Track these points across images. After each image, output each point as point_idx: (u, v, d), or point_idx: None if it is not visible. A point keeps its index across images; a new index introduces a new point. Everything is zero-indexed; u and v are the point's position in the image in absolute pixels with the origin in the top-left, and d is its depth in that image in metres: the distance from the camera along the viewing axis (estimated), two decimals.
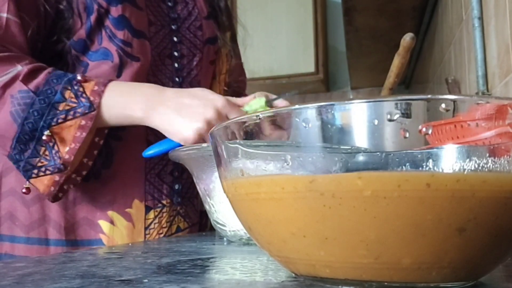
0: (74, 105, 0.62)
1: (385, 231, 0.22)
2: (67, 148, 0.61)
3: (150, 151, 0.65)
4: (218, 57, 0.84)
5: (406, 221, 0.22)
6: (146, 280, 0.28)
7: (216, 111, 0.62)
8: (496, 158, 0.24)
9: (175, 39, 0.77)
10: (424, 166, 0.24)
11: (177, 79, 0.76)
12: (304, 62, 2.59)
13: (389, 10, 1.65)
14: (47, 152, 0.62)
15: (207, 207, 0.58)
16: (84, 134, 0.61)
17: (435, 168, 0.24)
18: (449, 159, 0.24)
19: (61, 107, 0.62)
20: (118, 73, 0.70)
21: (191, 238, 0.62)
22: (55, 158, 0.61)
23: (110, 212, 0.69)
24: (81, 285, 0.27)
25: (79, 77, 0.63)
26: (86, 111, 0.61)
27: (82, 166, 0.65)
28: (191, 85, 0.77)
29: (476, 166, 0.23)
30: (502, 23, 0.83)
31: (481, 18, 0.96)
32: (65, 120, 0.61)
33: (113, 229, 0.69)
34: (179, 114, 0.62)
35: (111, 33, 0.69)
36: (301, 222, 0.24)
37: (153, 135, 0.70)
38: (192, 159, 0.56)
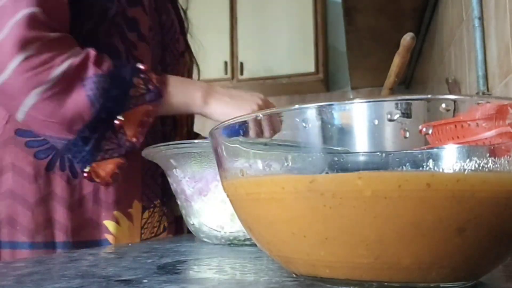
0: (144, 91, 0.64)
1: (385, 231, 0.22)
2: (134, 132, 0.64)
3: None
4: (184, 71, 0.88)
5: (406, 221, 0.22)
6: (146, 280, 0.28)
7: (263, 101, 0.69)
8: (496, 158, 0.23)
9: (163, 47, 0.79)
10: (424, 166, 0.24)
11: None
12: (304, 62, 2.59)
13: (390, 10, 1.65)
14: (114, 136, 0.63)
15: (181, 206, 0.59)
16: (151, 119, 0.65)
17: (435, 168, 0.24)
18: (450, 159, 0.24)
19: (132, 93, 0.63)
20: None
21: (191, 238, 0.62)
22: (122, 142, 0.63)
23: (115, 212, 0.70)
24: (81, 285, 0.27)
25: (141, 66, 0.66)
26: (153, 98, 0.65)
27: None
28: None
29: (477, 166, 0.23)
30: (502, 23, 0.83)
31: (481, 18, 0.96)
32: (135, 105, 0.64)
33: (119, 228, 0.70)
34: (232, 99, 0.68)
35: (122, 32, 0.70)
36: (301, 222, 0.24)
37: (151, 138, 0.71)
38: (165, 157, 0.56)
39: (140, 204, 0.72)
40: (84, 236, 0.68)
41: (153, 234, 0.74)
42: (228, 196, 0.30)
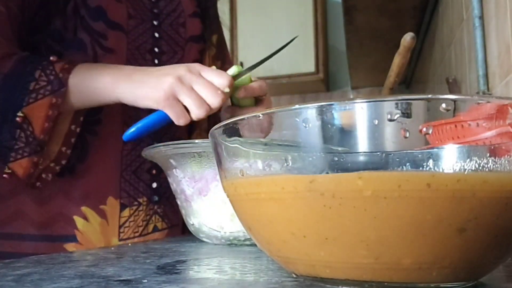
0: (44, 83, 0.60)
1: (386, 231, 0.22)
2: (41, 128, 0.60)
3: (130, 131, 0.61)
4: (203, 58, 0.82)
5: (406, 221, 0.22)
6: (145, 280, 0.28)
7: (187, 68, 0.61)
8: (496, 158, 0.23)
9: (156, 34, 0.75)
10: (425, 166, 0.24)
11: None
12: (304, 62, 2.58)
13: (390, 10, 1.65)
14: (22, 134, 0.60)
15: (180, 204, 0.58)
16: (56, 112, 0.60)
17: (436, 168, 0.24)
18: (450, 159, 0.24)
19: (32, 86, 0.60)
20: None
21: (190, 238, 0.62)
22: (30, 139, 0.60)
23: (83, 208, 0.68)
24: (80, 285, 0.27)
25: (51, 58, 0.62)
26: (56, 88, 0.60)
27: (61, 155, 0.64)
28: None
29: (477, 166, 0.23)
30: (502, 23, 0.83)
31: (481, 18, 0.96)
32: (36, 99, 0.60)
33: (87, 225, 0.68)
34: (148, 76, 0.61)
35: (86, 24, 0.67)
36: (301, 222, 0.24)
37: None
38: (166, 157, 0.56)
39: (118, 201, 0.70)
40: (55, 230, 0.67)
41: (137, 234, 0.71)
42: (228, 196, 0.30)
